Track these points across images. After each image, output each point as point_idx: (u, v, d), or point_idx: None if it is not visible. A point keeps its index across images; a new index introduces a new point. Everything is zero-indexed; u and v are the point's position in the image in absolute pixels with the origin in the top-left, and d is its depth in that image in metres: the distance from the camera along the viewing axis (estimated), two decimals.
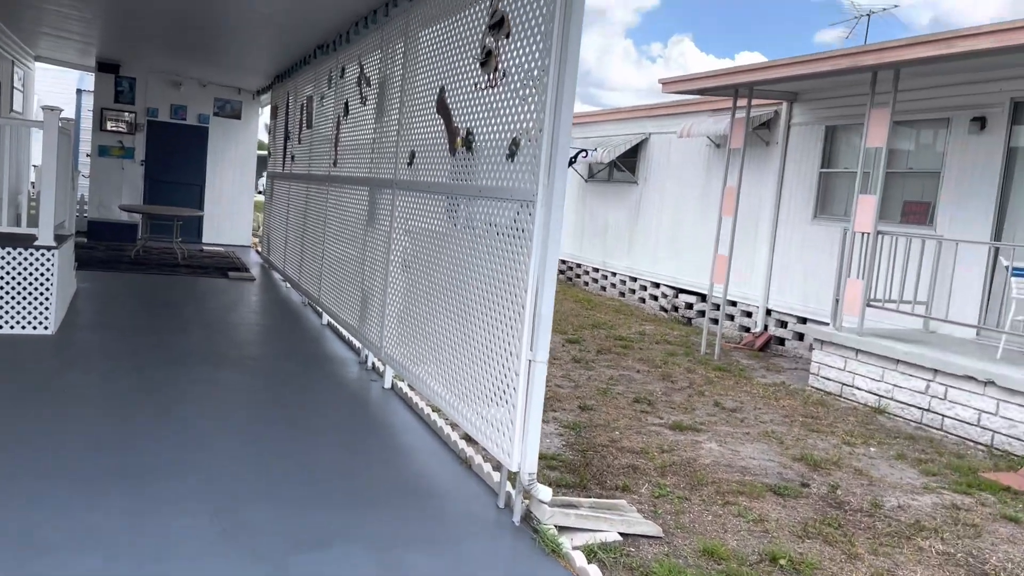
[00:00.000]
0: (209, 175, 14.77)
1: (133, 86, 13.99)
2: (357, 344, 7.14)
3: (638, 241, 13.63)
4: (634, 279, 13.75)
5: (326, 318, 8.45)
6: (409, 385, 5.80)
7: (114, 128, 13.89)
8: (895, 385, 6.96)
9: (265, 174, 13.60)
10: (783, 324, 10.25)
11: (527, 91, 4.05)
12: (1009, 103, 7.44)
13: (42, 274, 6.45)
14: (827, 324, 8.42)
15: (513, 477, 3.93)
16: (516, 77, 4.15)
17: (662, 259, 12.86)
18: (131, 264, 11.05)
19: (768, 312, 10.45)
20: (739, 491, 4.71)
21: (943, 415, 6.55)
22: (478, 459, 4.49)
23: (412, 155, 5.72)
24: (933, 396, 6.64)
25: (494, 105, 4.38)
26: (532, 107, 3.94)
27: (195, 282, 10.26)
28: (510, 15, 4.23)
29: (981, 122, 7.68)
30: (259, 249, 14.63)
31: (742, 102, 9.22)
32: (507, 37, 4.25)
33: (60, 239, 6.86)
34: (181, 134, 14.47)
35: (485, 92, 4.50)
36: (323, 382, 6.13)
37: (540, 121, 3.81)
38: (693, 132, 11.39)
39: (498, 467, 4.23)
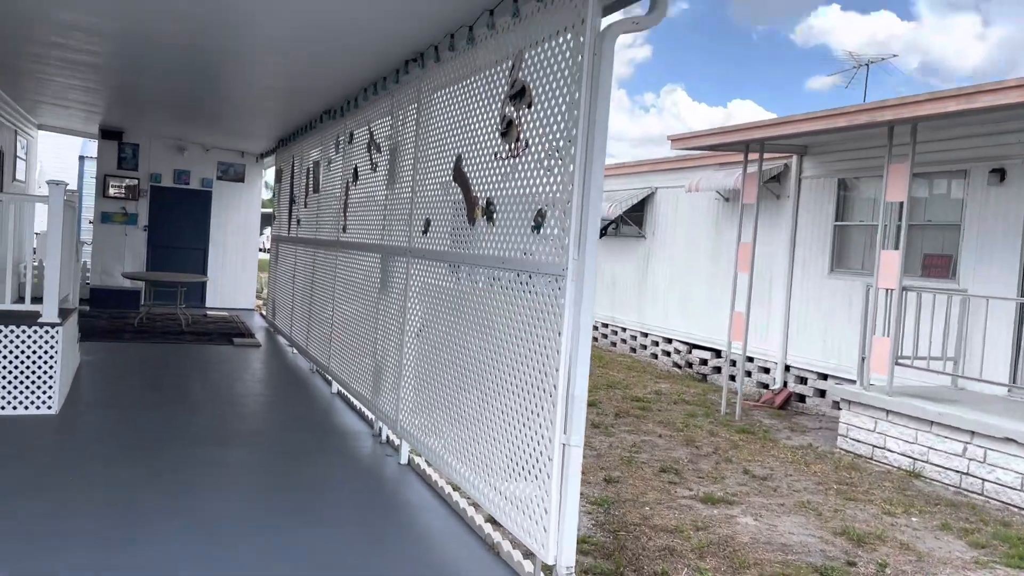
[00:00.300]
0: (212, 239, 14.66)
1: (136, 152, 13.97)
2: (370, 415, 6.90)
3: (648, 296, 13.45)
4: (645, 334, 13.53)
5: (336, 386, 8.21)
6: (427, 461, 5.55)
7: (117, 194, 13.82)
8: (930, 447, 6.69)
9: (268, 231, 13.48)
10: (803, 380, 10.01)
11: (552, 162, 3.91)
12: None
13: (46, 351, 6.25)
14: (852, 382, 8.19)
15: (547, 569, 3.67)
16: (540, 147, 4.00)
17: (673, 314, 12.67)
18: (135, 333, 10.84)
19: (787, 368, 10.22)
20: (783, 574, 4.43)
21: (983, 479, 6.28)
22: (506, 545, 4.22)
23: (427, 223, 5.57)
24: (972, 459, 6.37)
25: (516, 175, 4.22)
26: (558, 178, 3.79)
27: (200, 350, 10.04)
28: (531, 85, 4.11)
29: (1000, 174, 7.56)
30: (263, 313, 14.45)
31: (753, 156, 9.13)
32: (529, 107, 4.12)
33: (64, 313, 6.67)
34: (184, 199, 14.40)
35: (506, 162, 4.36)
36: (336, 458, 5.87)
37: (568, 193, 3.65)
38: (702, 187, 11.30)
39: (528, 554, 3.97)
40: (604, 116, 3.59)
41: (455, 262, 4.97)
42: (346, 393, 7.76)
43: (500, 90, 4.48)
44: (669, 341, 12.84)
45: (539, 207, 3.97)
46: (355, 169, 7.67)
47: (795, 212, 10.15)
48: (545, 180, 3.92)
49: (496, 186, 4.46)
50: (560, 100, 3.81)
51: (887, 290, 7.36)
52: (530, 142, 4.13)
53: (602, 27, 3.61)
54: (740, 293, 9.25)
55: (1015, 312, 7.36)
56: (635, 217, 13.84)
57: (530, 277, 3.99)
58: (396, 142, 6.49)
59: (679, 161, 12.58)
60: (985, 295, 7.33)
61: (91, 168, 15.72)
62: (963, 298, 7.38)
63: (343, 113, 8.21)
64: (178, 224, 14.30)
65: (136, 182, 13.91)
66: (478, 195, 4.73)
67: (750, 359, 10.68)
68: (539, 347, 3.81)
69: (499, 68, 4.52)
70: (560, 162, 3.78)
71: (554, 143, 3.84)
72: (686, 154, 11.83)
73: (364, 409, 7.13)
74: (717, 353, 11.68)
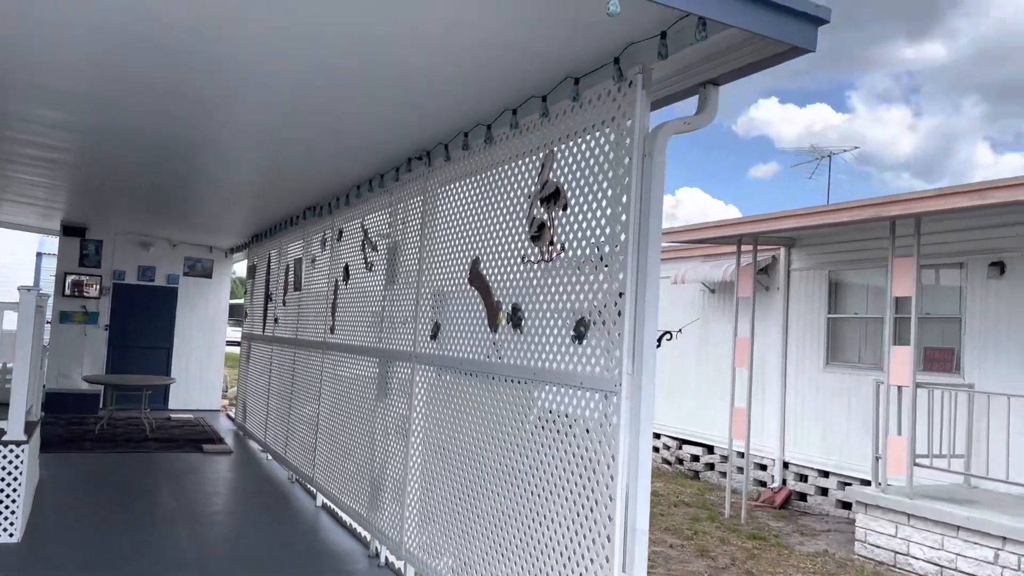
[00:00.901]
0: (178, 338, 14.05)
1: (100, 249, 13.46)
2: (364, 534, 6.36)
3: None
4: None
5: (321, 499, 7.65)
6: None
7: (78, 293, 13.22)
8: (958, 554, 6.37)
9: (236, 322, 12.93)
10: (802, 478, 9.68)
11: (591, 267, 3.63)
12: None
13: (9, 473, 5.66)
14: (858, 480, 7.89)
15: None
16: (579, 251, 3.73)
17: (661, 408, 12.34)
18: (96, 441, 10.13)
19: (785, 465, 9.89)
20: None
21: None
22: None
23: (436, 327, 5.22)
24: (1005, 567, 6.06)
25: (550, 281, 3.93)
26: (604, 285, 3.50)
27: (167, 459, 9.38)
28: (566, 186, 3.87)
29: (1000, 267, 7.51)
30: (231, 414, 13.77)
31: (744, 248, 9.02)
32: (564, 209, 3.87)
33: (29, 428, 6.10)
34: (149, 296, 13.85)
35: (537, 266, 4.07)
36: None
37: (620, 301, 3.36)
38: (688, 279, 11.17)
39: None
40: (658, 220, 3.35)
41: (474, 371, 4.61)
42: (334, 507, 7.21)
43: (526, 186, 4.23)
44: (658, 436, 12.48)
45: (580, 316, 3.67)
46: (345, 267, 7.34)
47: (786, 304, 10.03)
48: (587, 287, 3.64)
49: (524, 291, 4.16)
50: (603, 202, 3.56)
51: (898, 387, 7.14)
52: (566, 246, 3.87)
53: (651, 126, 3.41)
54: (725, 386, 8.98)
55: None
56: None
57: (573, 392, 3.65)
58: (396, 240, 6.19)
59: (663, 252, 12.47)
60: (994, 391, 7.17)
61: (50, 265, 15.09)
62: (969, 394, 7.20)
63: (331, 210, 7.92)
64: (142, 323, 13.70)
65: (99, 279, 13.35)
66: (501, 300, 4.42)
67: (742, 455, 10.36)
68: (587, 472, 3.45)
69: (524, 162, 4.28)
70: (607, 268, 3.51)
71: (597, 248, 3.58)
72: (670, 246, 11.74)
73: (357, 526, 6.59)
74: (709, 449, 11.34)
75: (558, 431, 3.72)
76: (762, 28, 2.89)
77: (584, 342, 3.61)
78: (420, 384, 5.43)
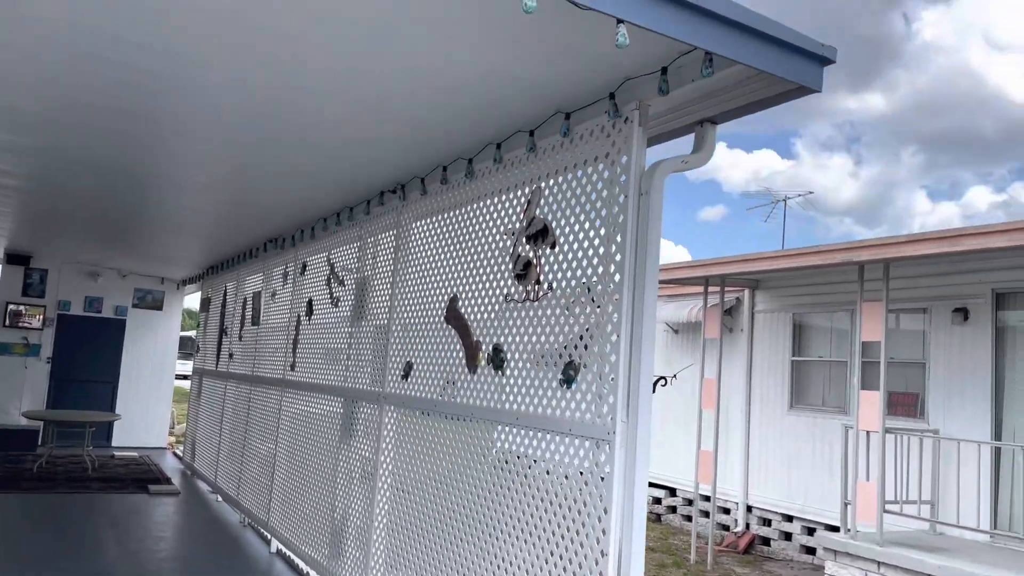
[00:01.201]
0: (124, 372, 13.50)
1: (44, 278, 12.92)
2: None
3: None
4: None
5: (276, 544, 7.29)
6: None
7: (19, 324, 12.64)
8: None
9: (185, 355, 12.47)
10: (766, 522, 9.59)
11: (581, 308, 3.49)
12: (991, 295, 7.41)
13: None
14: (824, 526, 7.82)
15: None
16: (568, 291, 3.59)
17: None
18: (34, 480, 9.59)
19: (748, 508, 9.80)
20: None
21: None
22: None
23: (408, 366, 5.01)
24: None
25: (536, 321, 3.78)
26: (598, 328, 3.36)
27: (112, 501, 8.90)
28: (554, 223, 3.73)
29: (964, 313, 7.59)
30: (178, 452, 13.23)
31: (711, 289, 9.01)
32: (552, 248, 3.73)
33: None
34: (95, 328, 13.31)
35: (522, 305, 3.92)
36: None
37: (613, 344, 3.21)
38: None
39: None
40: (655, 261, 3.23)
41: (450, 413, 4.41)
42: (290, 554, 6.86)
43: (510, 222, 4.09)
44: None
45: (569, 358, 3.52)
46: (309, 302, 7.08)
47: (750, 346, 10.02)
48: (577, 328, 3.49)
49: (507, 331, 3.99)
50: (595, 241, 3.43)
51: (867, 432, 7.12)
52: (553, 285, 3.72)
53: (648, 163, 3.30)
54: (690, 428, 8.90)
55: (991, 455, 7.21)
56: None
57: (560, 439, 3.48)
58: (365, 275, 5.98)
59: None
60: (958, 437, 7.19)
61: None
62: (934, 440, 7.21)
63: (294, 242, 7.67)
64: (86, 356, 13.14)
65: (42, 310, 12.79)
66: (480, 340, 4.25)
67: (707, 498, 10.25)
68: (576, 524, 3.26)
69: (508, 197, 4.14)
70: (599, 309, 3.37)
71: (589, 289, 3.44)
72: None
73: (315, 575, 6.27)
74: (671, 491, 11.21)
75: (543, 480, 3.54)
76: (769, 66, 2.81)
77: (574, 386, 3.45)
78: (389, 426, 5.20)
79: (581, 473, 3.32)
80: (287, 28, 3.16)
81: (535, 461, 3.67)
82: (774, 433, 9.57)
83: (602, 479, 3.18)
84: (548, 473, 3.52)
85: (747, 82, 3.08)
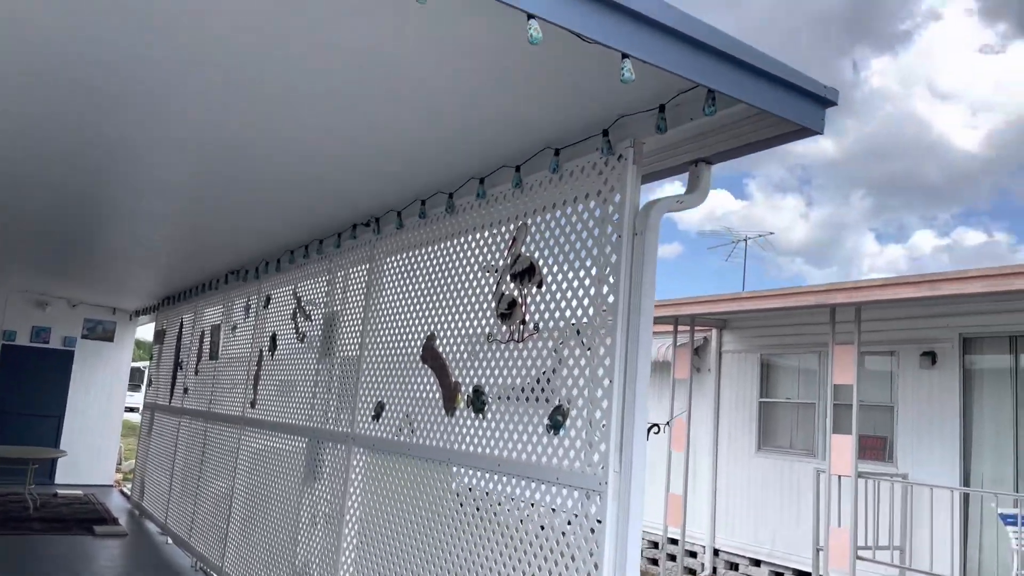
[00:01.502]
0: (71, 405, 12.95)
1: None
2: None
3: None
4: None
5: None
6: None
7: None
8: None
9: (134, 387, 12.02)
10: (733, 566, 9.46)
11: (570, 351, 3.36)
12: (959, 339, 7.46)
13: None
14: (791, 571, 7.72)
15: None
16: (555, 333, 3.46)
17: None
18: None
19: (715, 552, 9.67)
20: None
21: None
22: None
23: (380, 406, 4.81)
24: None
25: (520, 363, 3.62)
26: (587, 371, 3.22)
27: (54, 543, 8.43)
28: (541, 261, 3.61)
29: (932, 357, 7.63)
30: (124, 490, 12.69)
31: (680, 328, 8.95)
32: (539, 287, 3.60)
33: None
34: (41, 359, 12.78)
35: (505, 346, 3.77)
36: None
37: (607, 388, 3.08)
38: None
39: None
40: (650, 303, 3.11)
41: (426, 457, 4.21)
42: None
43: (493, 259, 3.95)
44: None
45: (557, 403, 3.37)
46: (272, 337, 6.83)
47: (717, 386, 9.97)
48: (565, 372, 3.35)
49: (489, 373, 3.83)
50: (586, 281, 3.31)
51: (839, 476, 7.07)
52: (540, 326, 3.58)
53: (642, 202, 3.20)
54: (657, 468, 8.78)
55: (960, 501, 7.20)
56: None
57: (547, 488, 3.32)
58: (334, 310, 5.78)
59: None
60: (927, 482, 7.18)
61: None
62: (904, 485, 7.19)
63: (258, 274, 7.43)
64: (31, 388, 12.59)
65: None
66: (460, 381, 4.08)
67: (674, 541, 10.10)
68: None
69: (491, 233, 4.00)
70: (588, 352, 3.24)
71: (579, 332, 3.31)
72: None
73: None
74: None
75: (527, 531, 3.36)
76: (773, 106, 2.74)
77: (562, 432, 3.30)
78: (357, 468, 4.97)
79: (569, 523, 3.16)
80: (257, 50, 2.97)
81: (518, 510, 3.49)
82: (742, 475, 9.50)
83: (592, 531, 3.02)
84: (533, 523, 3.34)
85: (744, 122, 3.01)
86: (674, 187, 3.43)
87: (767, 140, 3.02)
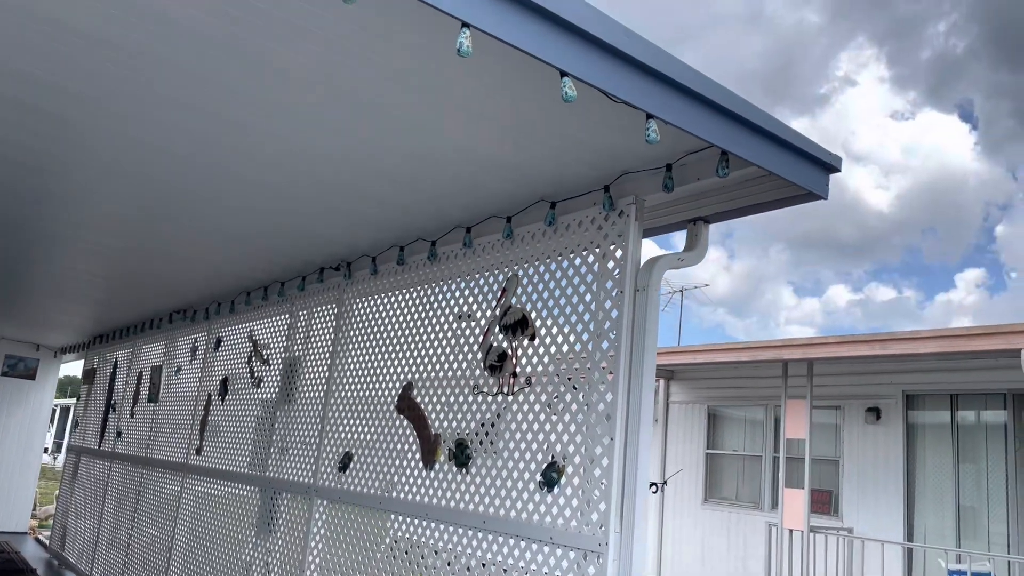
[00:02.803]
0: None
1: None
2: None
3: None
4: None
5: None
6: None
7: None
8: None
9: (58, 438, 11.39)
10: None
11: (565, 406, 3.31)
12: (902, 396, 7.69)
13: None
14: None
15: None
16: (549, 388, 3.40)
17: None
18: None
19: None
20: None
21: None
22: None
23: (347, 457, 4.64)
24: None
25: (510, 417, 3.55)
26: (583, 427, 3.18)
27: None
28: (535, 314, 3.57)
29: (876, 412, 7.84)
30: (41, 538, 11.93)
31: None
32: (532, 340, 3.55)
33: None
34: None
35: (493, 399, 3.69)
36: None
37: (608, 446, 3.03)
38: None
39: None
40: (652, 360, 3.09)
41: (400, 512, 4.07)
42: None
43: (480, 307, 3.89)
44: None
45: (551, 459, 3.30)
46: (223, 380, 6.57)
47: (664, 437, 10.03)
48: (560, 427, 3.29)
49: (475, 426, 3.74)
50: (583, 335, 3.27)
51: (789, 530, 7.14)
52: (532, 380, 3.53)
53: (643, 258, 3.20)
54: None
55: (903, 555, 7.36)
56: None
57: (539, 547, 3.23)
58: (296, 355, 5.59)
59: None
60: (871, 536, 7.32)
61: None
62: (849, 539, 7.31)
63: (208, 315, 7.16)
64: None
65: None
66: (440, 433, 3.97)
67: None
68: None
69: (478, 281, 3.95)
70: (587, 408, 3.20)
71: (576, 387, 3.26)
72: None
73: None
74: None
75: None
76: (784, 170, 2.79)
77: (556, 490, 3.23)
78: (319, 522, 4.78)
79: None
80: (218, 77, 2.77)
81: (505, 571, 3.39)
82: (688, 527, 9.52)
83: None
84: None
85: (748, 184, 3.05)
86: (660, 243, 3.46)
87: (772, 203, 3.08)
